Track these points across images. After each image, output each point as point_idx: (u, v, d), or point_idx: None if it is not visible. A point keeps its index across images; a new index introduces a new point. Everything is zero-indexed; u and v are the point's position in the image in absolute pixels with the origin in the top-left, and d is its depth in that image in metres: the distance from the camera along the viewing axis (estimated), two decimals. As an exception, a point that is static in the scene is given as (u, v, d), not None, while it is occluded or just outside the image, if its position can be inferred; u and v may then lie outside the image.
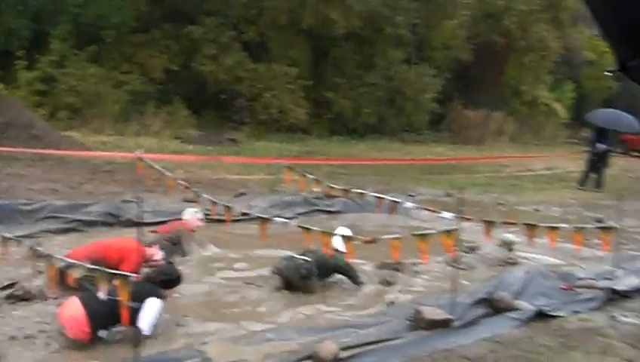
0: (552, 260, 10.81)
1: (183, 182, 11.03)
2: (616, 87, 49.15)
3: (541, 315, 7.66)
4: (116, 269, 6.17)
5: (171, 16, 30.09)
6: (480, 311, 7.48)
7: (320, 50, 33.22)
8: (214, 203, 9.42)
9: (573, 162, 27.50)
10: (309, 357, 5.74)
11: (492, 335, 6.95)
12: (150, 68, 28.06)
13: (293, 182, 14.09)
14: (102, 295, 5.36)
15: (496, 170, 24.86)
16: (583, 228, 8.28)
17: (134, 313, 5.94)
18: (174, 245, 9.56)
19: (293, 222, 8.42)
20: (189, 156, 20.10)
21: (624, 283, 9.39)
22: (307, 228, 7.38)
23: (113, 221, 10.84)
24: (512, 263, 10.56)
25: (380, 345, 6.28)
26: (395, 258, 7.71)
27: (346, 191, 11.76)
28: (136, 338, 5.74)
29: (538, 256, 10.95)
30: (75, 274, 5.82)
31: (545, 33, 38.78)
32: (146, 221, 10.02)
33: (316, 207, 13.72)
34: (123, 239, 8.43)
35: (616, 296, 8.66)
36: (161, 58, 28.59)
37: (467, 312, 7.29)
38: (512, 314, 7.53)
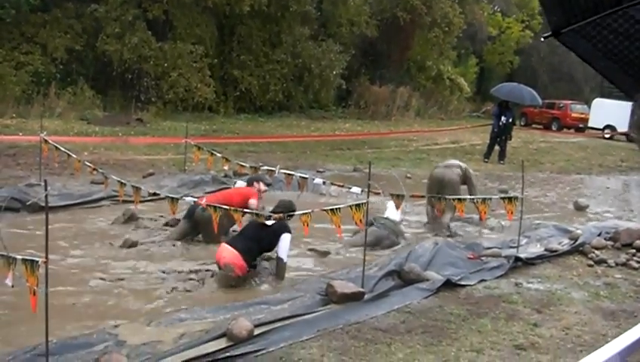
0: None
1: (89, 164, 10.88)
2: (518, 61, 50.42)
3: (450, 284, 7.86)
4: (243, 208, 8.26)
5: (73, -6, 29.41)
6: (390, 282, 7.63)
7: (226, 28, 32.97)
8: (122, 184, 9.33)
9: (477, 135, 28.14)
10: (223, 335, 5.76)
11: (403, 305, 7.09)
12: (52, 48, 27.26)
13: (201, 161, 14.07)
14: (9, 281, 5.28)
15: (403, 145, 25.22)
16: (488, 198, 8.54)
17: (272, 245, 8.00)
18: None
19: (203, 201, 8.43)
20: (96, 138, 19.77)
21: (527, 250, 9.75)
22: (215, 207, 7.42)
23: (18, 206, 10.54)
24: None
25: (294, 320, 6.34)
26: (305, 233, 7.84)
27: (254, 168, 11.81)
28: (280, 265, 7.98)
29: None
30: None
31: (449, 9, 39.45)
32: (52, 205, 9.86)
33: (225, 185, 13.65)
34: (239, 188, 10.40)
35: (520, 264, 8.96)
36: (64, 38, 27.82)
37: (378, 284, 7.43)
38: (422, 285, 7.67)
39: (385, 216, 10.22)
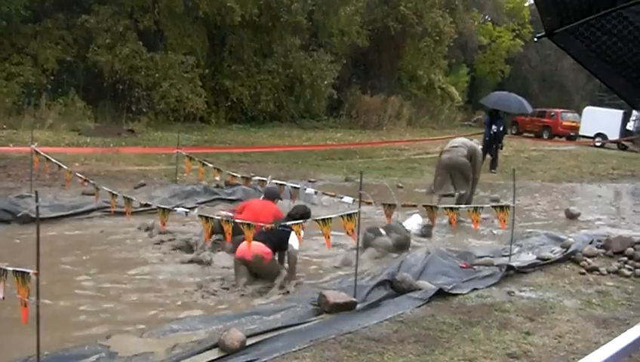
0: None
1: (80, 175, 10.85)
2: (509, 70, 50.58)
3: (442, 294, 7.84)
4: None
5: (64, 5, 29.35)
6: (383, 292, 7.61)
7: (217, 39, 33.02)
8: (114, 195, 9.30)
9: (469, 144, 28.06)
10: (215, 346, 5.74)
11: (395, 315, 7.07)
12: (43, 59, 27.25)
13: (193, 172, 14.05)
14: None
15: (395, 154, 25.27)
16: (480, 207, 8.55)
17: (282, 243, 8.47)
18: None
19: (195, 212, 8.42)
20: (87, 148, 19.73)
21: (520, 259, 9.76)
22: (207, 218, 7.40)
23: (9, 217, 10.50)
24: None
25: (286, 330, 6.32)
26: (299, 242, 7.85)
27: (246, 179, 11.81)
28: (292, 255, 8.41)
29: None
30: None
31: (439, 19, 39.59)
32: (43, 216, 9.84)
33: (217, 196, 13.66)
34: (266, 205, 10.01)
35: (512, 272, 8.96)
36: (55, 48, 27.84)
37: (370, 294, 7.42)
38: (414, 294, 7.65)
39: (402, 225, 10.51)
